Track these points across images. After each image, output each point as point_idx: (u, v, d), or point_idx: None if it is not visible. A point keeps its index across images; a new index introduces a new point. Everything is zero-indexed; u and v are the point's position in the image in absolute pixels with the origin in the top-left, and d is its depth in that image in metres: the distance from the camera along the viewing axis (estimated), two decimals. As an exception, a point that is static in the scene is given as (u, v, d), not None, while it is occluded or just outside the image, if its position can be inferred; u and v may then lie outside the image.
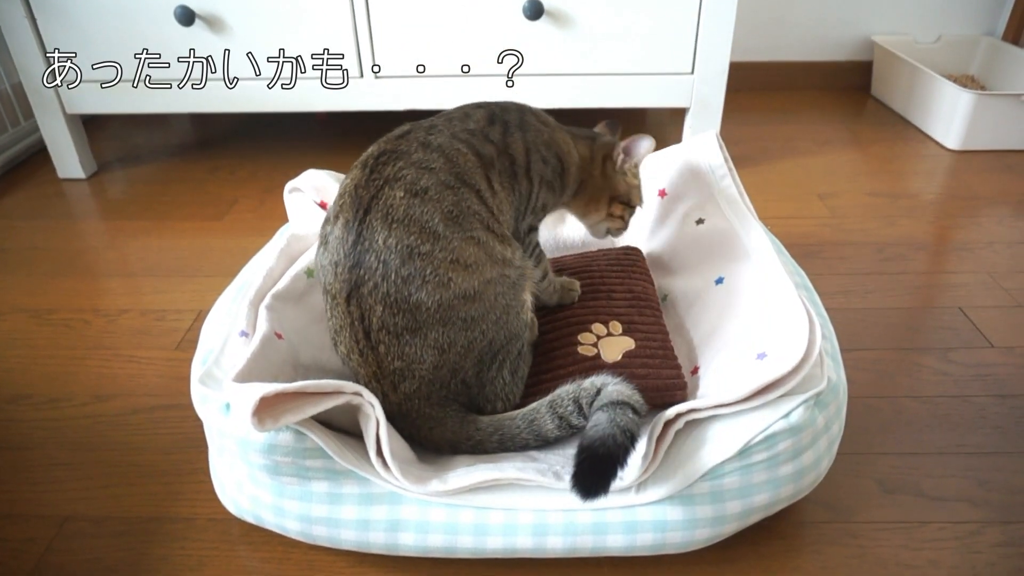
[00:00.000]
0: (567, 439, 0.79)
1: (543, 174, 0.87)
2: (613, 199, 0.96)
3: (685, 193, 1.09)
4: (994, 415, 0.95)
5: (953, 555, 0.77)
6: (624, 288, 0.97)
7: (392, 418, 0.75)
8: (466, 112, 0.86)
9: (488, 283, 0.76)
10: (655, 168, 1.14)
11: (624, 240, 1.13)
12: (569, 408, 0.76)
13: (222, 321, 0.86)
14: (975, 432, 0.92)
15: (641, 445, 0.71)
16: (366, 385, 0.75)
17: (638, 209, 1.01)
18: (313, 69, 1.51)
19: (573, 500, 0.71)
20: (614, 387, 0.74)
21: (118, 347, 1.11)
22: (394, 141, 0.80)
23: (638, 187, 0.98)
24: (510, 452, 0.78)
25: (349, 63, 1.50)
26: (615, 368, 0.85)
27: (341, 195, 0.77)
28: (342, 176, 1.12)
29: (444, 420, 0.78)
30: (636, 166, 0.97)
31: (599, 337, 0.90)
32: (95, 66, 1.51)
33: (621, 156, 0.94)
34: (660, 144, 1.27)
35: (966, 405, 0.97)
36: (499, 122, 0.85)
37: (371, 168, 0.77)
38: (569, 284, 0.97)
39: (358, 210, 0.74)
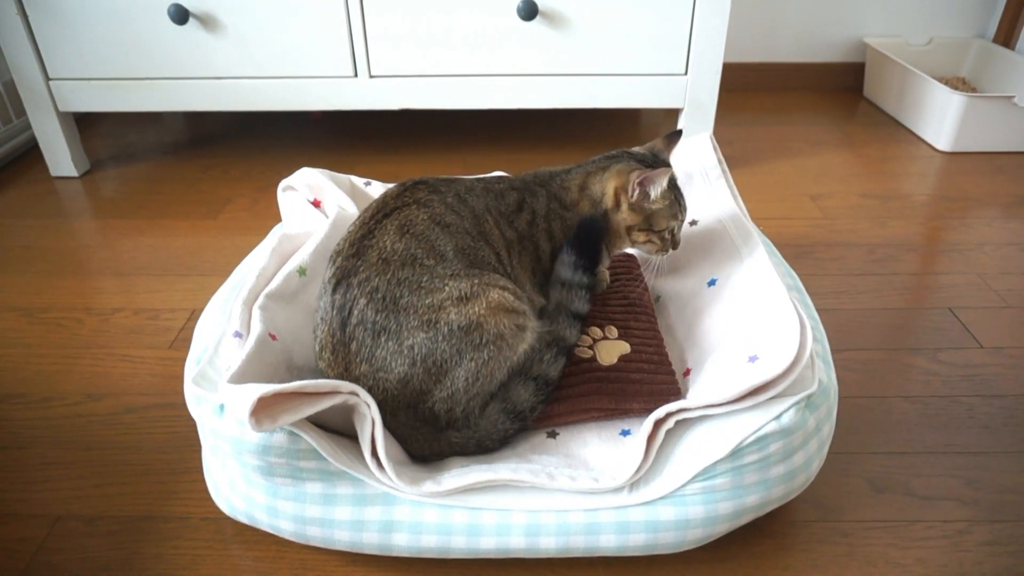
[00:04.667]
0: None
1: None
2: (630, 229, 0.92)
3: (678, 194, 1.10)
4: (983, 415, 0.96)
5: (941, 554, 0.78)
6: (620, 294, 0.98)
7: None
8: (502, 191, 0.89)
9: (497, 308, 0.75)
10: (649, 169, 1.14)
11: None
12: (547, 356, 0.80)
13: (216, 321, 0.86)
14: (964, 432, 0.93)
15: (634, 444, 0.72)
16: None
17: (683, 224, 0.96)
18: (308, 68, 1.51)
19: (566, 500, 0.72)
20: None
21: (111, 346, 1.11)
22: (436, 180, 0.86)
23: (661, 210, 0.91)
24: (490, 450, 0.78)
25: (344, 62, 1.50)
26: (611, 371, 0.85)
27: (373, 201, 0.83)
28: (336, 175, 1.12)
29: (407, 439, 0.76)
30: (661, 193, 0.90)
31: (595, 340, 0.90)
32: (88, 63, 1.50)
33: (637, 191, 0.89)
34: (654, 145, 1.28)
35: (955, 405, 0.98)
36: (527, 210, 0.89)
37: (407, 188, 0.83)
38: (600, 274, 0.99)
39: (378, 212, 0.79)
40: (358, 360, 0.74)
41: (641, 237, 0.92)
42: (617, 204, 0.91)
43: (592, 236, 0.88)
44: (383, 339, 0.73)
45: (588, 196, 0.92)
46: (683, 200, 0.94)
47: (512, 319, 0.76)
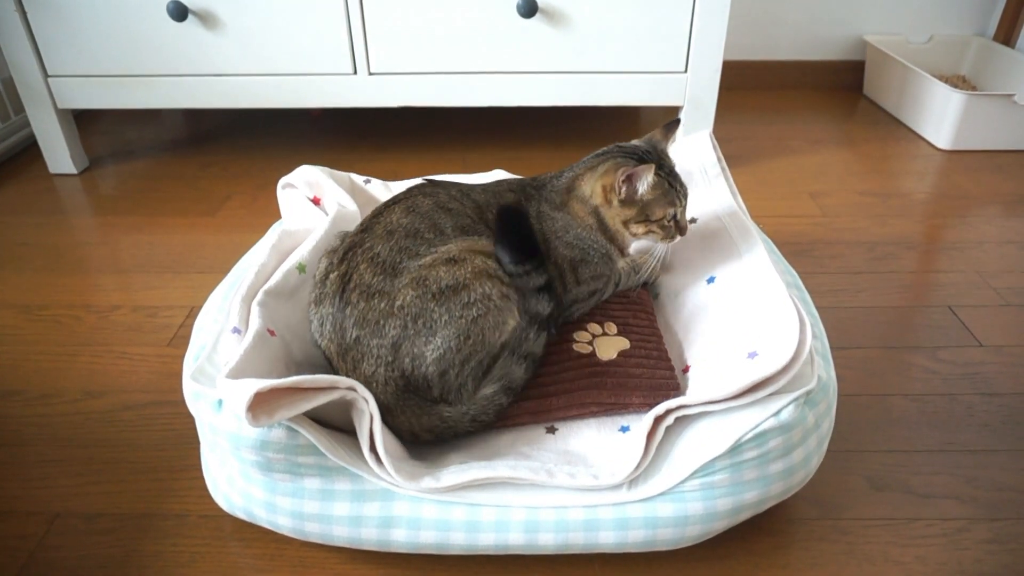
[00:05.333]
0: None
1: (571, 256, 0.91)
2: (627, 222, 0.91)
3: (678, 192, 1.10)
4: (982, 413, 0.96)
5: (940, 552, 0.78)
6: (618, 293, 0.98)
7: None
8: (500, 192, 0.94)
9: (482, 273, 0.78)
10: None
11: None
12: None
13: (214, 318, 0.86)
14: (963, 430, 0.93)
15: (633, 441, 0.72)
16: (334, 365, 0.79)
17: (676, 212, 0.91)
18: (307, 65, 1.51)
19: (565, 497, 0.71)
20: None
21: (110, 343, 1.11)
22: (439, 182, 0.93)
23: (655, 200, 0.89)
24: (486, 424, 0.79)
25: (343, 59, 1.50)
26: (610, 366, 0.85)
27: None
28: (336, 172, 1.12)
29: (396, 412, 0.76)
30: (650, 187, 0.88)
31: (594, 336, 0.90)
32: (87, 60, 1.50)
33: (624, 188, 0.88)
34: (653, 142, 1.27)
35: (955, 403, 0.98)
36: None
37: (414, 188, 0.90)
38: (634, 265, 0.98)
39: (388, 202, 0.88)
40: (351, 322, 0.77)
41: (640, 229, 0.91)
42: (607, 201, 0.91)
43: (514, 220, 0.88)
44: (376, 301, 0.76)
45: (577, 196, 0.92)
46: (679, 185, 0.91)
47: (497, 286, 0.79)
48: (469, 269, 0.78)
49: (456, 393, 0.78)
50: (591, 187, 0.91)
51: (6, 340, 1.12)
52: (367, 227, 0.84)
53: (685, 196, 0.93)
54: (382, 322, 0.76)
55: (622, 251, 0.95)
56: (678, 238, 0.93)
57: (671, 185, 0.91)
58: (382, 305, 0.76)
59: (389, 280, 0.77)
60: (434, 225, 0.83)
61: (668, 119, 1.03)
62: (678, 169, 1.10)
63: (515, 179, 1.01)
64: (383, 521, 0.72)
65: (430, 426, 0.77)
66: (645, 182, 0.87)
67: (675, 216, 0.91)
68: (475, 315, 0.77)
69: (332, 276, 0.81)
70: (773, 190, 1.56)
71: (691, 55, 1.49)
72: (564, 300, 0.91)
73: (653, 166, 0.86)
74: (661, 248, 0.95)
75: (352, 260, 0.80)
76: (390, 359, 0.75)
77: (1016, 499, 0.83)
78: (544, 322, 0.84)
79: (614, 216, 0.91)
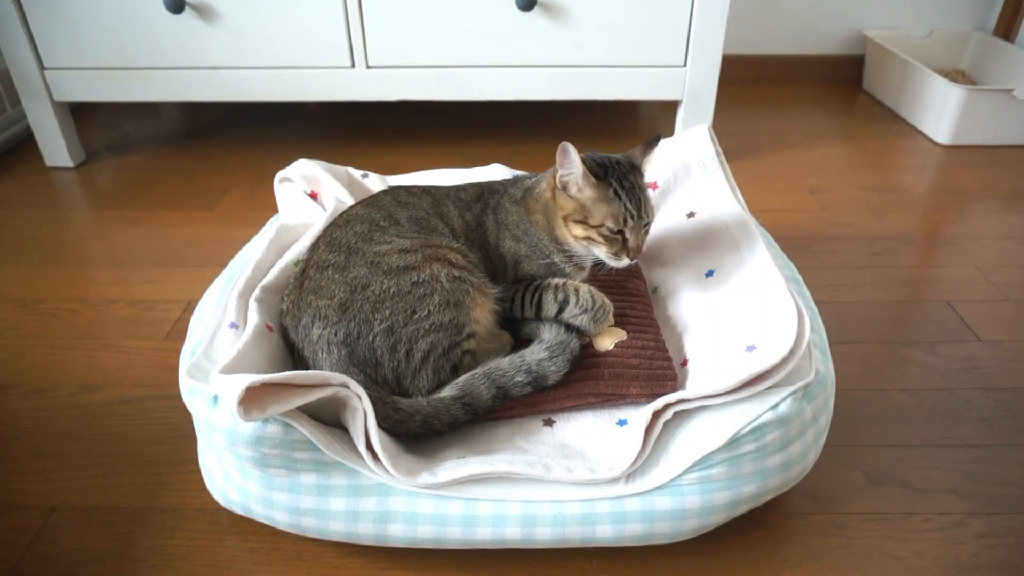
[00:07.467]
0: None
1: (516, 251, 0.91)
2: (567, 219, 0.86)
3: (676, 186, 1.09)
4: (980, 408, 0.96)
5: (937, 546, 0.78)
6: (616, 285, 0.97)
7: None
8: (464, 186, 0.98)
9: (432, 257, 0.81)
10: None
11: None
12: (518, 379, 0.80)
13: (211, 312, 0.86)
14: (961, 425, 0.93)
15: (631, 435, 0.72)
16: (291, 340, 0.82)
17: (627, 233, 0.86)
18: (305, 58, 1.50)
19: (562, 491, 0.71)
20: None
21: (106, 337, 1.10)
22: (404, 185, 1.00)
23: (595, 201, 0.84)
24: (436, 431, 0.77)
25: (341, 53, 1.49)
26: (607, 356, 0.85)
27: None
28: (334, 166, 1.12)
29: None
30: (585, 178, 0.84)
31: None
32: (83, 53, 1.50)
33: (558, 170, 0.85)
34: (652, 137, 1.27)
35: (952, 398, 0.98)
36: (482, 201, 0.95)
37: (380, 191, 0.97)
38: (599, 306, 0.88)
39: (358, 201, 0.94)
40: (307, 292, 0.81)
41: (579, 231, 0.85)
42: (553, 190, 0.88)
43: None
44: (330, 272, 0.81)
45: (534, 194, 0.91)
46: (633, 205, 0.84)
47: (448, 269, 0.81)
48: (421, 256, 0.81)
49: (412, 379, 0.79)
50: (548, 181, 0.90)
51: (2, 334, 1.12)
52: (333, 222, 0.89)
53: (638, 217, 0.85)
54: (333, 288, 0.80)
55: (572, 259, 0.89)
56: (626, 261, 0.86)
57: (618, 195, 0.84)
58: (336, 276, 0.80)
59: (344, 257, 0.82)
60: (389, 215, 0.87)
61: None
62: (677, 161, 1.10)
63: (481, 182, 0.99)
64: (380, 516, 0.71)
65: (384, 414, 0.75)
66: (571, 162, 0.82)
67: (623, 233, 0.85)
68: (422, 293, 0.79)
69: (307, 261, 0.86)
70: (772, 184, 1.55)
71: (690, 49, 1.48)
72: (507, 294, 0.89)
73: (571, 145, 0.81)
74: (609, 264, 0.88)
75: (316, 248, 0.86)
76: (335, 319, 0.78)
77: (1013, 493, 0.84)
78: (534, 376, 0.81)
79: (558, 209, 0.87)
